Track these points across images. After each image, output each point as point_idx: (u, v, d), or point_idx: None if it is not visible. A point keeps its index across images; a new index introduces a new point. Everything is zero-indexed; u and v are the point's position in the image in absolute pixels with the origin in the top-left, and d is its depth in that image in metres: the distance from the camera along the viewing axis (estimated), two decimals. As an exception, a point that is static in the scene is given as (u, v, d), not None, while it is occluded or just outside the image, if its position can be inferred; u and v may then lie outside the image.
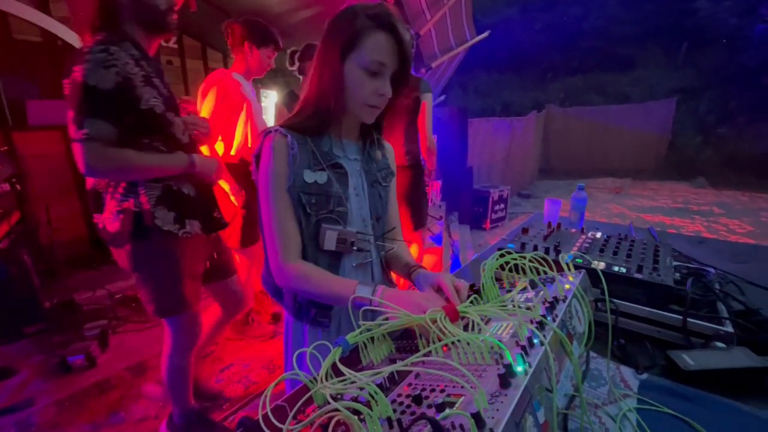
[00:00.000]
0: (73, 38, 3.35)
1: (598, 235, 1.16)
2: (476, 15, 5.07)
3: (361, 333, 0.62)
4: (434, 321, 0.58)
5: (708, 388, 0.69)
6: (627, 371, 0.75)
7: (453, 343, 0.57)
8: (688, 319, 0.81)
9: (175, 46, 4.64)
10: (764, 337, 0.78)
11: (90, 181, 1.23)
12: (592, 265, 0.93)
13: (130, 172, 1.15)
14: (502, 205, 5.67)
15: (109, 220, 1.20)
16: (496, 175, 7.36)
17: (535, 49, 13.95)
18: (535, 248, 1.04)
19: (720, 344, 0.78)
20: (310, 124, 0.82)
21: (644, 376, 0.73)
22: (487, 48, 6.06)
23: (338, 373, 0.57)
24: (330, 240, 0.82)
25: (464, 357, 0.53)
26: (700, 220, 6.27)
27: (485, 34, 5.27)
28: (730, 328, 0.78)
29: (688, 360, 0.74)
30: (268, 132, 0.83)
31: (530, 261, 0.75)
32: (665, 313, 0.83)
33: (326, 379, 0.52)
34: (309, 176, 0.81)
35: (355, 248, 0.85)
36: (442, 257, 3.81)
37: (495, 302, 0.70)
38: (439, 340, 0.57)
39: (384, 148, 0.98)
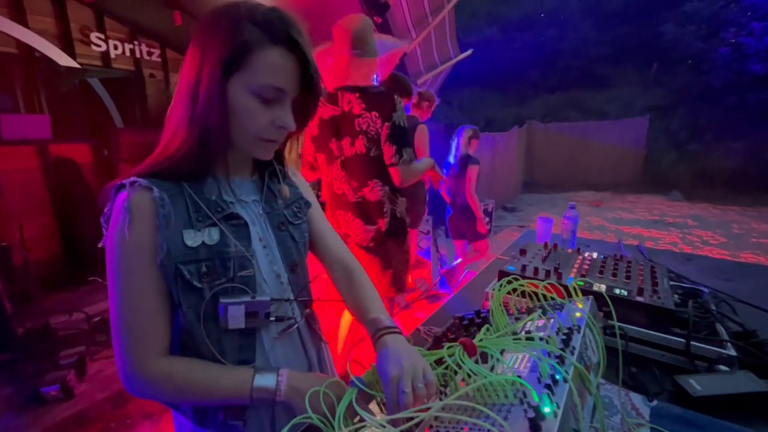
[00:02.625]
0: (50, 50, 3.26)
1: (594, 255, 1.18)
2: (459, 34, 5.22)
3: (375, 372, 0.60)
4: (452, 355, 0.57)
5: (716, 414, 0.69)
6: (637, 398, 0.75)
7: (468, 377, 0.55)
8: (691, 342, 0.82)
9: (159, 59, 4.58)
10: (766, 360, 0.80)
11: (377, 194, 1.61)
12: (594, 288, 0.94)
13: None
14: (488, 219, 5.73)
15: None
16: (481, 189, 7.46)
17: (516, 67, 14.42)
18: (536, 271, 1.04)
19: (724, 368, 0.79)
20: (184, 167, 0.60)
21: (654, 402, 0.73)
22: (470, 65, 6.23)
23: (352, 414, 0.55)
24: (236, 318, 0.61)
25: (485, 395, 0.51)
26: (675, 232, 6.50)
27: (468, 52, 5.43)
28: (732, 352, 0.80)
29: (696, 385, 0.74)
30: (119, 186, 0.59)
31: (539, 288, 0.75)
32: (669, 337, 0.84)
33: (344, 425, 0.49)
34: (192, 238, 0.59)
35: (272, 319, 0.66)
36: (430, 271, 3.84)
37: (506, 330, 0.69)
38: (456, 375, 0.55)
39: (289, 178, 0.78)
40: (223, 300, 0.61)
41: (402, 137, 1.53)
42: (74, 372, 1.93)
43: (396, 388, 0.53)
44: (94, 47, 3.86)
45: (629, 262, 1.10)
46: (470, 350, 0.57)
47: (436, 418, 0.50)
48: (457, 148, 3.33)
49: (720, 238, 6.07)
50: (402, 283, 1.76)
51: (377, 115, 1.51)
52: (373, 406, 0.60)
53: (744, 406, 0.71)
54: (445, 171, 3.37)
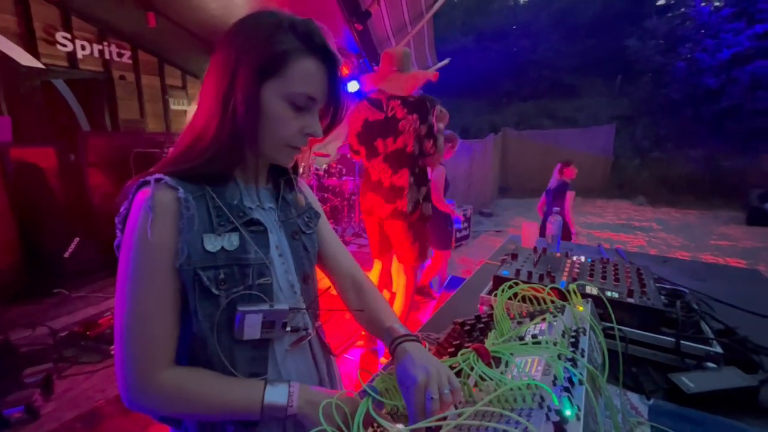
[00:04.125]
0: (11, 49, 3.09)
1: (583, 259, 1.21)
2: (436, 42, 5.32)
3: (390, 377, 0.59)
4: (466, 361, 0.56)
5: (709, 409, 0.73)
6: (634, 397, 0.77)
7: (482, 381, 0.55)
8: (681, 341, 0.85)
9: (130, 61, 4.42)
10: (749, 356, 0.84)
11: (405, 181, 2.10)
12: (587, 291, 0.96)
13: None
14: (466, 224, 5.83)
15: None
16: (459, 195, 7.59)
17: (490, 76, 14.86)
18: (530, 275, 1.06)
19: (712, 365, 0.82)
20: (210, 169, 0.59)
21: (651, 401, 0.76)
22: (446, 74, 6.36)
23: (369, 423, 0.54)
24: (253, 327, 0.59)
25: (503, 400, 0.51)
26: (641, 235, 6.83)
27: (446, 61, 5.54)
28: (718, 349, 0.83)
29: (689, 383, 0.77)
30: (142, 183, 0.57)
31: (541, 292, 0.76)
32: (660, 336, 0.87)
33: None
34: (212, 243, 0.57)
35: (288, 329, 0.64)
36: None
37: (512, 335, 0.70)
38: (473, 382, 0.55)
39: (300, 187, 0.79)
40: (240, 308, 0.58)
41: (434, 133, 2.06)
42: (40, 391, 1.79)
43: (423, 395, 0.52)
44: (59, 47, 3.68)
45: (616, 265, 1.14)
46: (484, 356, 0.57)
47: (458, 425, 0.50)
48: None
49: (682, 241, 6.42)
50: (424, 255, 2.33)
51: (417, 117, 2.02)
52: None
53: (733, 400, 0.74)
54: None
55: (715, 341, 0.86)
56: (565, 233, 3.82)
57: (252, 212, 0.64)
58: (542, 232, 3.99)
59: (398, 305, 2.42)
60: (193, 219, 0.56)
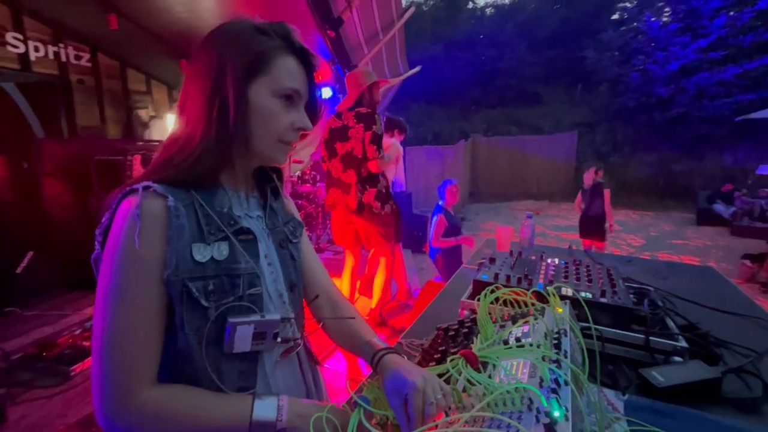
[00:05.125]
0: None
1: (557, 261, 1.26)
2: (407, 50, 5.42)
3: (378, 387, 0.59)
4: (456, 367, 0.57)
5: (678, 401, 0.77)
6: (610, 393, 0.81)
7: (470, 386, 0.56)
8: (650, 338, 0.90)
9: (89, 64, 4.20)
10: (711, 349, 0.90)
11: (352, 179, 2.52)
12: (563, 292, 1.00)
13: None
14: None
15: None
16: (432, 200, 7.70)
17: (459, 84, 15.25)
18: (508, 278, 1.09)
19: (678, 359, 0.88)
20: (197, 173, 0.57)
21: (626, 396, 0.79)
22: (417, 81, 6.49)
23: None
24: (243, 340, 0.57)
25: (492, 404, 0.52)
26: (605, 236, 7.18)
27: (417, 69, 5.64)
28: (684, 343, 0.89)
29: (659, 377, 0.82)
30: (128, 192, 0.55)
31: (521, 296, 0.78)
32: (631, 334, 0.92)
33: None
34: (201, 253, 0.55)
35: (279, 340, 0.62)
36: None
37: (496, 338, 0.71)
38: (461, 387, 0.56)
39: (284, 196, 0.78)
40: (231, 320, 0.56)
41: (379, 142, 2.46)
42: (-10, 420, 1.66)
43: (423, 399, 0.53)
44: (10, 48, 3.44)
45: (588, 266, 1.20)
46: (473, 362, 0.58)
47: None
48: None
49: (640, 241, 6.80)
50: (389, 240, 2.72)
51: (362, 126, 2.45)
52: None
53: (699, 392, 0.79)
54: None
55: (680, 336, 0.92)
56: (600, 230, 4.57)
57: (241, 220, 0.62)
58: (584, 231, 4.75)
59: (377, 283, 2.84)
60: (183, 228, 0.54)
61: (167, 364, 0.57)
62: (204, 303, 0.55)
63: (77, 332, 2.36)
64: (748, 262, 4.77)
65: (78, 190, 3.19)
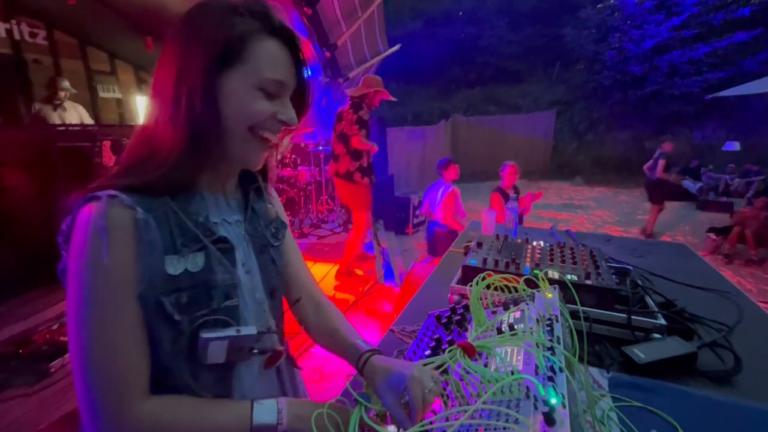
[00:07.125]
0: None
1: (542, 243, 1.29)
2: (386, 26, 5.28)
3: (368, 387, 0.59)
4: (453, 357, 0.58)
5: (658, 376, 0.81)
6: (594, 371, 0.84)
7: (466, 375, 0.57)
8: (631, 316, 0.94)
9: (45, 42, 3.90)
10: (687, 325, 0.95)
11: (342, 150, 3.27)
12: (550, 276, 1.03)
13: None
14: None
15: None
16: (413, 181, 7.72)
17: (438, 63, 15.05)
18: (496, 263, 1.11)
19: (657, 335, 0.92)
20: (172, 180, 0.52)
21: (610, 374, 0.83)
22: (396, 60, 6.35)
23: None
24: (217, 353, 0.54)
25: (491, 394, 0.53)
26: (581, 213, 7.41)
27: (396, 47, 5.52)
28: (662, 321, 0.93)
29: (640, 354, 0.86)
30: (89, 197, 0.50)
31: (511, 282, 0.79)
32: (614, 314, 0.96)
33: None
34: (174, 266, 0.51)
35: (256, 351, 0.59)
36: (375, 265, 3.89)
37: (489, 325, 0.73)
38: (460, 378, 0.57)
39: (271, 196, 0.73)
40: (204, 335, 0.53)
41: (362, 124, 3.15)
42: (-34, 422, 1.60)
43: (421, 389, 0.53)
44: (-46, 24, 3.16)
45: (572, 248, 1.23)
46: (470, 352, 0.59)
47: (447, 419, 0.52)
48: None
49: (615, 217, 7.06)
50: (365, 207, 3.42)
51: (352, 111, 3.18)
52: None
53: (677, 366, 0.84)
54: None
55: (659, 314, 0.96)
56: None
57: (218, 227, 0.58)
58: (652, 197, 5.83)
59: (350, 241, 3.51)
60: (155, 242, 0.50)
61: (150, 376, 0.54)
62: (176, 317, 0.51)
63: (54, 327, 2.28)
64: (712, 236, 5.04)
65: (40, 181, 3.00)
